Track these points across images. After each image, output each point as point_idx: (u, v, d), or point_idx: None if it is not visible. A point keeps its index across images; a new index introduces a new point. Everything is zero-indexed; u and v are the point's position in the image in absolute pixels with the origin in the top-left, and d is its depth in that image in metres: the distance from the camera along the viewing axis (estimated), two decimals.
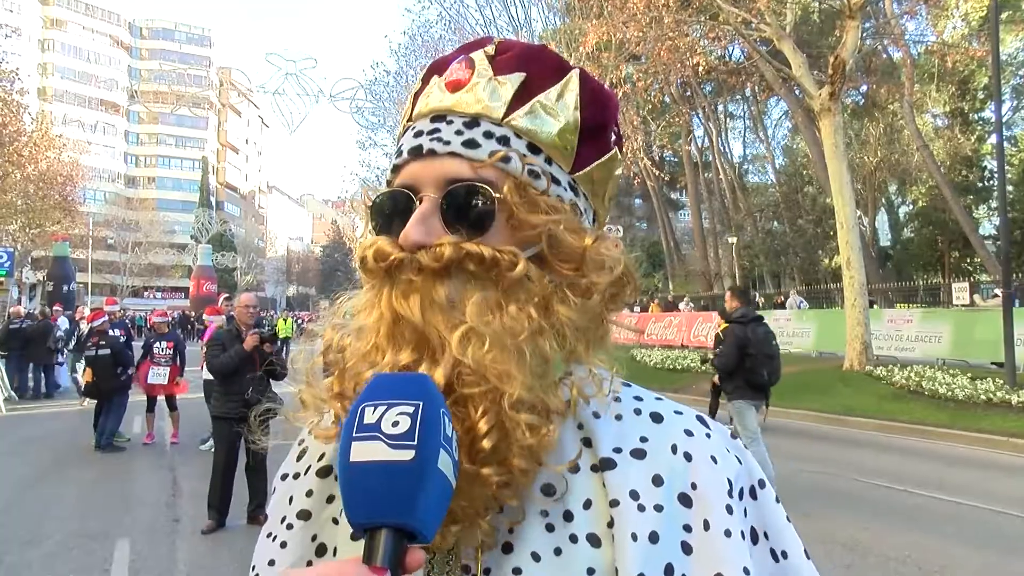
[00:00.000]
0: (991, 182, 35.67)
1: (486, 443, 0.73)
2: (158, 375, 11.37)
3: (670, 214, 50.75)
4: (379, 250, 0.81)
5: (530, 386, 0.75)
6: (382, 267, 0.80)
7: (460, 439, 0.73)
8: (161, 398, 11.56)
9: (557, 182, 0.84)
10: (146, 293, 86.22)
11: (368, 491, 0.62)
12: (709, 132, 44.05)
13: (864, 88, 36.86)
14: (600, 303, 0.84)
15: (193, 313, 43.25)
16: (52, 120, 49.20)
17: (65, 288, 38.67)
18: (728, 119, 47.26)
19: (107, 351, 11.01)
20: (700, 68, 23.16)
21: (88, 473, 9.60)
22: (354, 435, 0.64)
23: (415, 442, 0.62)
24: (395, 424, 0.63)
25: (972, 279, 28.10)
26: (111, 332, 11.80)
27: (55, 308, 22.62)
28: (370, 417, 0.64)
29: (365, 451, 0.63)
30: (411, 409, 0.64)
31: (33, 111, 47.36)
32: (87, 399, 11.48)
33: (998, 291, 19.74)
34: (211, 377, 8.80)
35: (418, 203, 0.80)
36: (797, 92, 28.11)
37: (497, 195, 0.79)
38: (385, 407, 0.64)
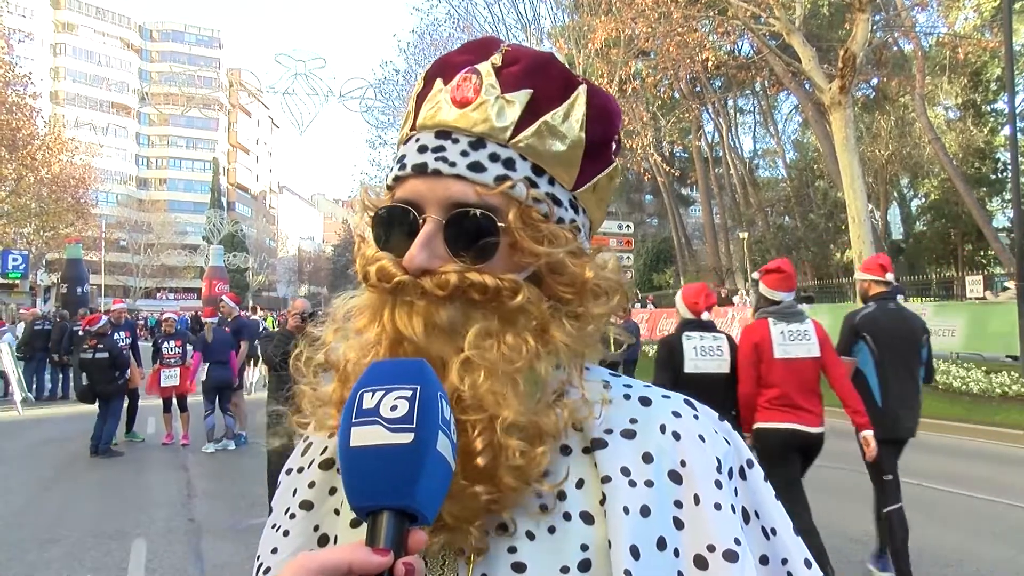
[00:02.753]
0: (1004, 174, 35.35)
1: (479, 461, 0.76)
2: (170, 377, 11.39)
3: (681, 210, 50.60)
4: (382, 269, 0.81)
5: (524, 411, 0.77)
6: (386, 287, 0.81)
7: (457, 455, 0.75)
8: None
9: (559, 203, 0.84)
10: (159, 294, 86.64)
11: (369, 475, 0.63)
12: (719, 127, 43.87)
13: (875, 81, 36.59)
14: (595, 330, 0.87)
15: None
16: (64, 123, 49.51)
17: (79, 290, 38.87)
18: (738, 114, 47.04)
19: (105, 354, 10.83)
20: (709, 63, 23.07)
21: (104, 474, 9.68)
22: (353, 420, 0.65)
23: (414, 425, 0.63)
24: (393, 408, 0.64)
25: (986, 272, 27.92)
26: (116, 335, 11.79)
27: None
28: (369, 402, 0.65)
29: (365, 435, 0.64)
30: (409, 393, 0.65)
31: (45, 115, 47.69)
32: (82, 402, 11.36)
33: (1008, 284, 19.58)
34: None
35: (421, 223, 0.80)
36: (807, 86, 27.97)
37: (502, 224, 0.80)
38: (383, 392, 0.65)
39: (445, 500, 0.74)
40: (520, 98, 0.82)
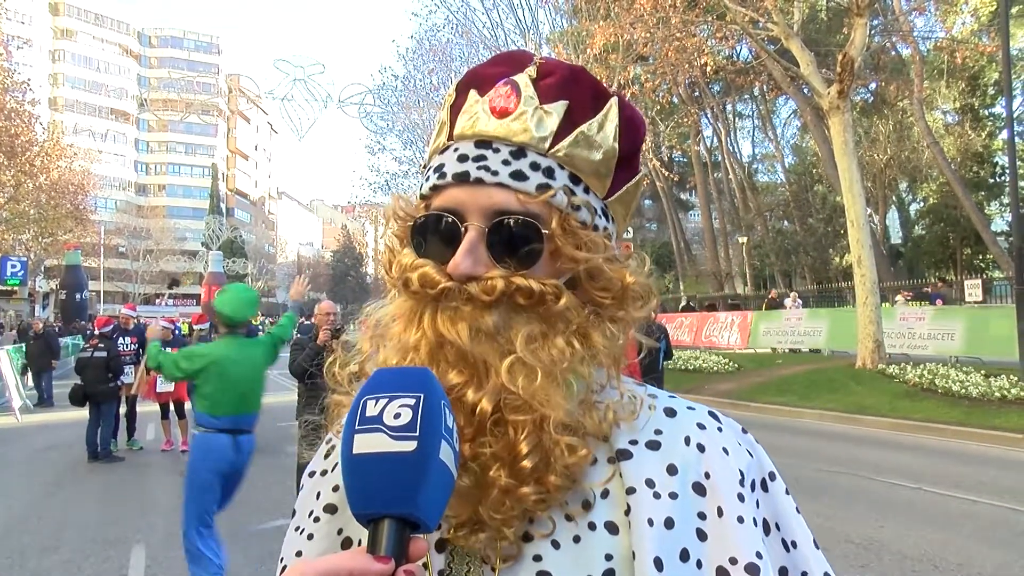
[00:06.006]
0: (1003, 178, 35.40)
1: (527, 463, 0.77)
2: (166, 383, 11.36)
3: (680, 215, 50.65)
4: (426, 276, 0.82)
5: (571, 410, 0.79)
6: (430, 293, 0.82)
7: (500, 456, 0.77)
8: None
9: (594, 211, 0.86)
10: (158, 300, 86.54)
11: (371, 482, 0.63)
12: (718, 132, 43.98)
13: (873, 86, 36.68)
14: (631, 331, 0.89)
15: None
16: (63, 130, 49.54)
17: (78, 296, 38.93)
18: (737, 119, 47.20)
19: (103, 354, 10.85)
20: (708, 68, 23.12)
21: (104, 480, 9.66)
22: (356, 427, 0.65)
23: (417, 433, 0.63)
24: (397, 416, 0.64)
25: (985, 275, 27.91)
26: (120, 339, 11.82)
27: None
28: (372, 410, 0.65)
29: (368, 443, 0.64)
30: (412, 401, 0.65)
31: (44, 121, 47.69)
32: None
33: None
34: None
35: (463, 231, 0.82)
36: (806, 91, 28.02)
37: (545, 231, 0.81)
38: (387, 399, 0.65)
39: (487, 502, 0.76)
40: (557, 109, 0.84)
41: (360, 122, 32.11)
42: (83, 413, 11.10)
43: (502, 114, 0.84)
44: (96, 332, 11.46)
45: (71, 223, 41.11)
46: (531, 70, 0.86)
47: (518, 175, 0.82)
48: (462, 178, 0.83)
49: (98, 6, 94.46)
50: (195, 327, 11.60)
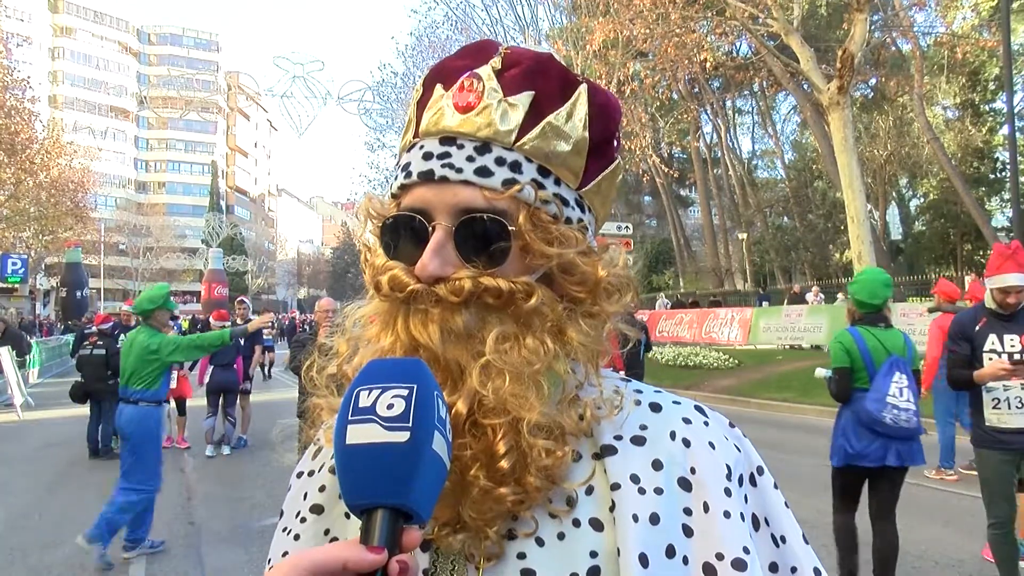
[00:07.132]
0: (1003, 173, 35.35)
1: (504, 463, 0.76)
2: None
3: (679, 211, 50.60)
4: (395, 279, 0.81)
5: (546, 411, 0.77)
6: (399, 296, 0.81)
7: (479, 457, 0.76)
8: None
9: (566, 203, 0.84)
10: None
11: (364, 473, 0.63)
12: (717, 128, 43.91)
13: (873, 81, 36.61)
14: (607, 326, 0.88)
15: (203, 317, 43.41)
16: (63, 127, 49.43)
17: (78, 294, 38.89)
18: (736, 115, 47.10)
19: (102, 351, 10.79)
20: (707, 64, 23.07)
21: (105, 477, 9.64)
22: (349, 418, 0.65)
23: (410, 424, 0.63)
24: (390, 407, 0.64)
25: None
26: (121, 336, 11.85)
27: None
28: (365, 400, 0.65)
29: (361, 434, 0.64)
30: (405, 392, 0.65)
31: (44, 119, 47.63)
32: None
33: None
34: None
35: (431, 230, 0.80)
36: (805, 86, 27.97)
37: (512, 228, 0.80)
38: (380, 390, 0.65)
39: (467, 502, 0.76)
40: (523, 100, 0.82)
41: (359, 119, 32.05)
42: (84, 410, 11.10)
43: (465, 109, 0.82)
44: (95, 329, 11.49)
45: (71, 221, 41.05)
46: (495, 61, 0.84)
47: (483, 171, 0.80)
48: (427, 176, 0.81)
49: (97, 3, 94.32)
50: (217, 323, 11.74)
